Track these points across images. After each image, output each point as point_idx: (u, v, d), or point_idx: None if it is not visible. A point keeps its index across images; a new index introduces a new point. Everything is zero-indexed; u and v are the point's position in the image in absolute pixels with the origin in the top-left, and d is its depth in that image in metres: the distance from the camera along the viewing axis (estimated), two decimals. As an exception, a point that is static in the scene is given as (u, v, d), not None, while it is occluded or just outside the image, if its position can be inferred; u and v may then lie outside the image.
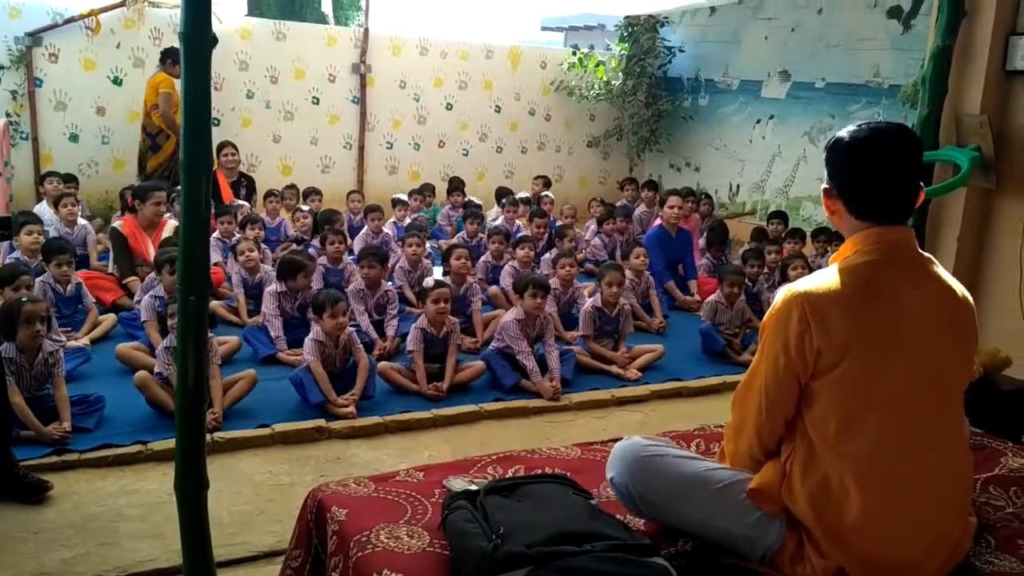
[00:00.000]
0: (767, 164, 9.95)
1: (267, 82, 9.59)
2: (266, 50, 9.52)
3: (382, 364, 4.90)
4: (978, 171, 3.74)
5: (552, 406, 4.80)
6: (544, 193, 9.31)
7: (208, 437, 4.06)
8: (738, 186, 10.37)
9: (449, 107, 10.65)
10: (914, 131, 2.10)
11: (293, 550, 2.32)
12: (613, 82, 10.73)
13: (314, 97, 9.82)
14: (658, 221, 7.51)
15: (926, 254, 2.09)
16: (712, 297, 5.96)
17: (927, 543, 1.92)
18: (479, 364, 5.03)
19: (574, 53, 10.78)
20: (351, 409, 4.42)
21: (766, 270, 6.87)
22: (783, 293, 2.01)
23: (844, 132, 2.08)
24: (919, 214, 4.06)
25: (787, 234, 7.81)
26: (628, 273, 6.26)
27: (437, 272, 6.80)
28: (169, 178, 8.32)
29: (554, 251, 7.08)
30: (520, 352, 4.94)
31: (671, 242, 7.22)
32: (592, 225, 8.44)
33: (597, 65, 10.73)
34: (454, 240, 7.81)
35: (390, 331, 5.52)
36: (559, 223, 8.12)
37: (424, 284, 5.00)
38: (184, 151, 2.38)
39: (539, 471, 2.40)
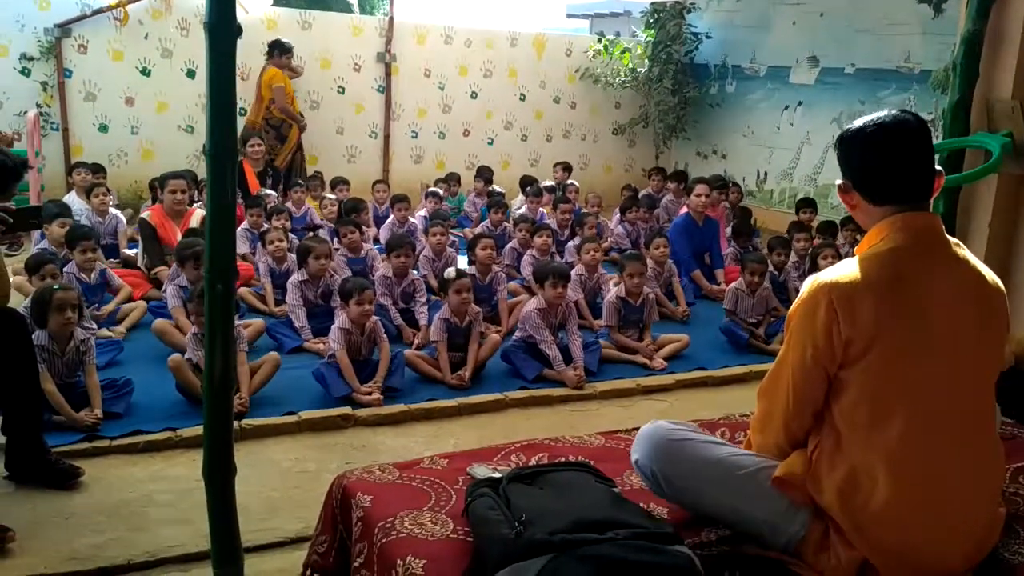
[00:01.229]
0: (795, 151, 9.85)
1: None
2: (292, 39, 9.51)
3: (408, 352, 4.93)
4: (1010, 158, 3.67)
5: (577, 395, 4.80)
6: (569, 181, 9.29)
7: (235, 424, 4.10)
8: (766, 173, 10.27)
9: (474, 95, 10.65)
10: (920, 117, 2.07)
11: (319, 536, 2.34)
12: (639, 69, 10.67)
13: (339, 86, 9.86)
14: (684, 210, 7.46)
15: (953, 239, 2.06)
16: (734, 284, 5.92)
17: (955, 534, 1.90)
18: (495, 337, 5.04)
19: (599, 40, 10.72)
20: (376, 396, 4.45)
21: (795, 259, 6.81)
22: (809, 284, 2.00)
23: (849, 128, 2.09)
24: (950, 201, 4.00)
25: (817, 227, 7.72)
26: (650, 263, 6.23)
27: (462, 261, 6.83)
28: (291, 169, 8.82)
29: (578, 239, 7.07)
30: (543, 341, 4.94)
31: (698, 231, 7.17)
32: (618, 213, 8.41)
33: (623, 52, 10.66)
34: (478, 229, 7.81)
35: (422, 320, 5.54)
36: (583, 211, 8.09)
37: (446, 274, 5.01)
38: (209, 140, 2.40)
39: (563, 459, 2.40)
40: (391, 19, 9.99)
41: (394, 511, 2.07)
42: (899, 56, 8.65)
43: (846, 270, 1.96)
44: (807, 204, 8.43)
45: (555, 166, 9.99)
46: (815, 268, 6.21)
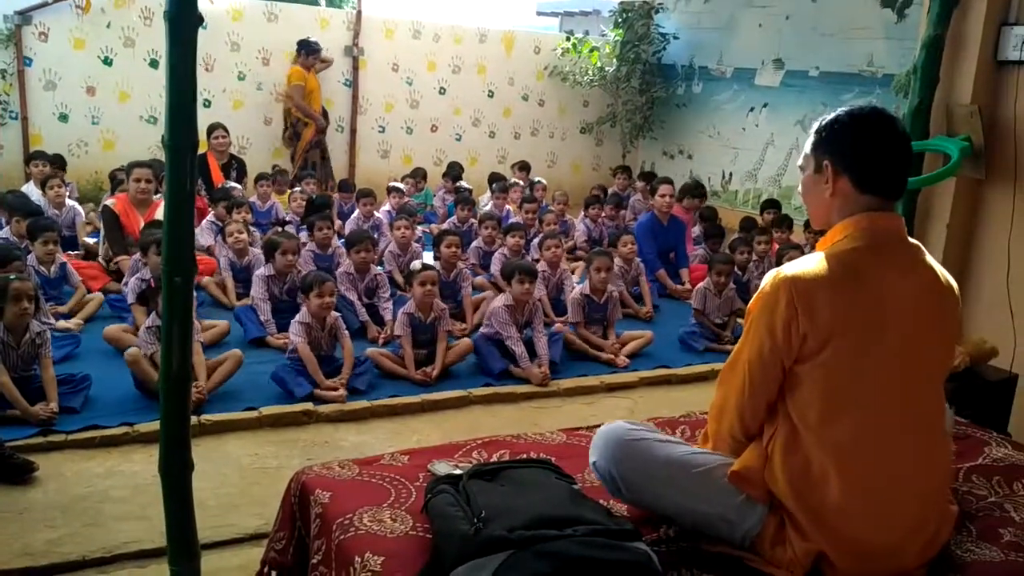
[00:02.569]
0: (760, 152, 9.95)
1: (258, 63, 9.53)
2: (258, 31, 9.46)
3: (371, 350, 4.89)
4: (968, 161, 3.73)
5: (540, 392, 4.81)
6: (537, 179, 9.31)
7: (194, 419, 4.07)
8: (731, 174, 10.36)
9: (442, 91, 10.61)
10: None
11: (277, 532, 2.32)
12: (607, 68, 10.70)
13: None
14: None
15: (914, 241, 2.09)
16: (701, 284, 5.96)
17: (906, 529, 1.93)
18: (466, 342, 5.04)
19: (568, 39, 10.74)
20: (341, 392, 4.42)
21: (755, 258, 6.88)
22: (771, 277, 2.01)
23: (840, 112, 2.08)
24: (909, 203, 4.06)
25: (774, 222, 7.81)
26: (617, 260, 6.26)
27: (427, 257, 6.80)
28: (307, 166, 9.05)
29: (541, 235, 7.07)
30: (509, 338, 4.94)
31: (662, 230, 7.21)
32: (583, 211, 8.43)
33: (591, 51, 10.70)
34: (445, 225, 7.79)
35: (387, 315, 5.52)
36: (549, 208, 8.10)
37: (411, 267, 4.99)
38: (168, 131, 2.37)
39: (524, 456, 2.39)
40: (359, 12, 9.92)
41: (353, 507, 2.06)
42: (862, 60, 8.77)
43: (808, 266, 1.97)
44: (771, 205, 8.53)
45: (513, 166, 10.01)
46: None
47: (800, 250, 6.40)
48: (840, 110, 2.09)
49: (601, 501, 2.09)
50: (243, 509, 3.44)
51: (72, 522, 3.23)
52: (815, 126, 2.13)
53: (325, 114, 9.46)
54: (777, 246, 6.95)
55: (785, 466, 1.94)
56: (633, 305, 6.26)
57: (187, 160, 2.38)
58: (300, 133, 9.22)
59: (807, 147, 2.14)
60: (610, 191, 9.57)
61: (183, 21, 2.34)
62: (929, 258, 2.09)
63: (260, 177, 8.15)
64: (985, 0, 3.71)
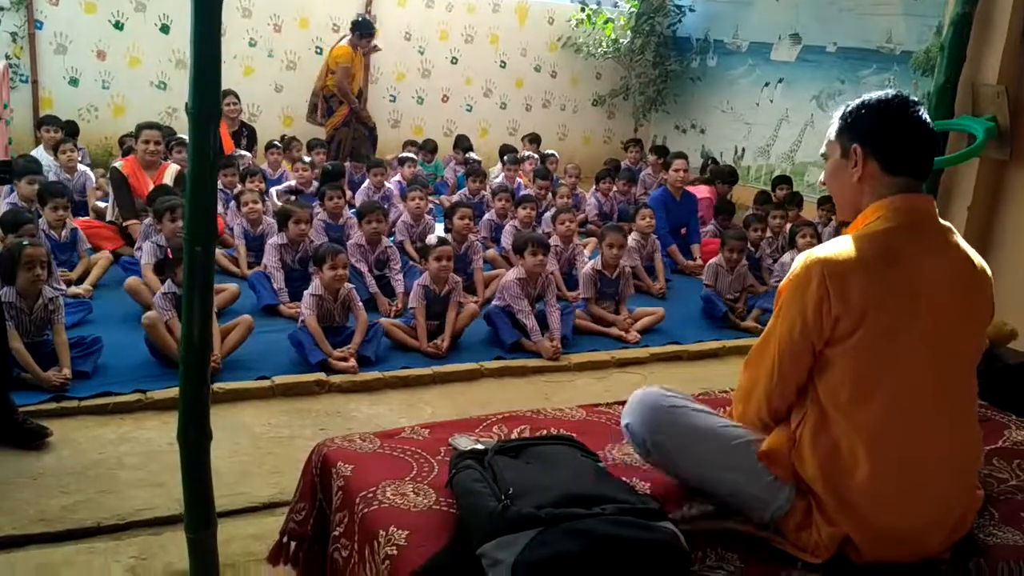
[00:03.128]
0: (774, 128, 9.85)
1: (270, 30, 9.43)
2: (270, -4, 9.36)
3: (384, 320, 4.88)
4: (993, 142, 3.69)
5: (552, 366, 4.80)
6: (549, 151, 9.24)
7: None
8: (743, 150, 10.27)
9: (454, 61, 10.51)
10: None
11: (297, 503, 2.31)
12: (621, 40, 10.57)
13: (317, 47, 9.66)
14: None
15: (946, 223, 2.06)
16: (714, 260, 5.93)
17: (933, 513, 1.93)
18: (472, 307, 5.03)
19: (583, 9, 10.59)
20: (351, 363, 4.41)
21: (769, 235, 6.84)
22: (802, 259, 1.98)
23: (862, 99, 2.08)
24: (931, 183, 4.01)
25: (786, 200, 7.76)
26: (634, 235, 6.23)
27: (439, 228, 6.78)
28: (331, 141, 8.69)
29: (553, 209, 7.04)
30: (521, 311, 4.93)
31: (675, 205, 7.17)
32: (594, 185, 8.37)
33: (606, 22, 10.56)
34: (455, 197, 7.75)
35: (399, 287, 5.50)
36: (562, 182, 8.05)
37: (427, 241, 4.96)
38: (192, 99, 2.33)
39: (545, 432, 2.39)
40: (372, -20, 9.80)
41: (375, 481, 2.05)
42: (880, 36, 8.65)
43: (840, 247, 1.95)
44: (783, 181, 8.47)
45: (523, 139, 9.93)
46: (793, 245, 6.25)
47: (813, 227, 6.34)
48: (863, 96, 2.09)
49: (624, 479, 2.08)
50: (257, 478, 3.45)
51: (86, 488, 3.24)
52: (839, 112, 2.12)
53: (360, 95, 9.15)
54: (789, 224, 6.89)
55: (814, 449, 1.93)
56: (647, 280, 6.23)
57: (211, 129, 2.34)
58: (334, 109, 8.76)
59: (831, 134, 2.12)
60: (622, 165, 9.50)
61: (207, -15, 2.30)
62: (961, 240, 2.07)
63: (270, 145, 8.09)
64: (1016, -23, 3.64)
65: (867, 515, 1.88)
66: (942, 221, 2.05)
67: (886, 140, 2.00)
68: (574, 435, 2.27)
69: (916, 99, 2.05)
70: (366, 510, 1.95)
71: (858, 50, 8.89)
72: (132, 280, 4.91)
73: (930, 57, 8.14)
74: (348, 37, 8.73)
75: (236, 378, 4.22)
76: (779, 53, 9.80)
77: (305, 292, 4.61)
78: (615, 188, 8.11)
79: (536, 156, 9.21)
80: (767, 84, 9.95)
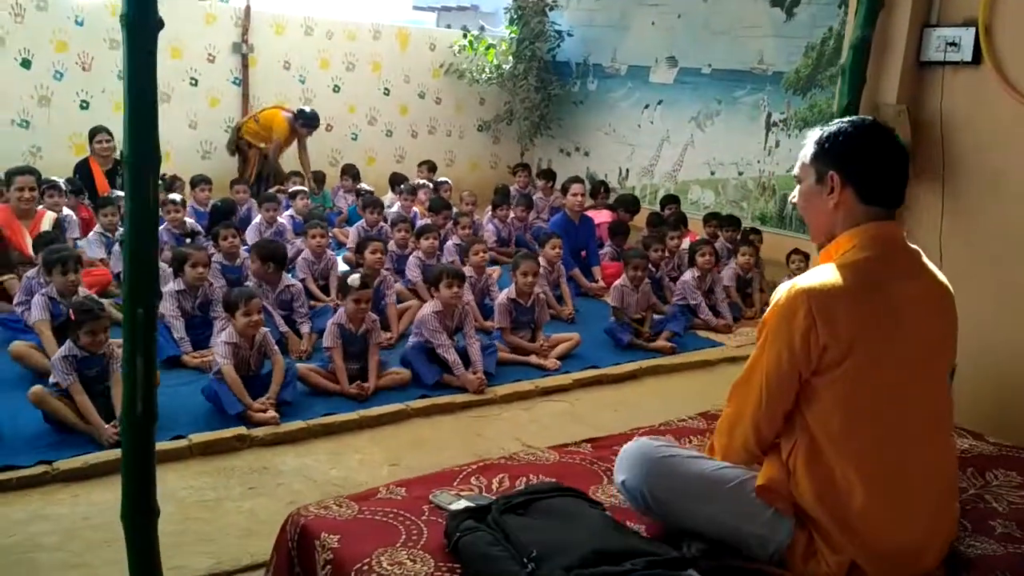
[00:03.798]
0: (656, 149, 10.14)
1: (140, 62, 8.97)
2: (138, 27, 8.89)
3: (300, 367, 4.67)
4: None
5: (478, 400, 4.72)
6: (443, 179, 9.18)
7: (117, 452, 3.77)
8: (627, 171, 10.52)
9: (336, 89, 10.32)
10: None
11: (270, 581, 2.14)
12: (504, 66, 10.65)
13: (192, 78, 9.29)
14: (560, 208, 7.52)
15: (914, 247, 2.13)
16: (618, 282, 6.01)
17: (927, 528, 1.98)
18: (404, 373, 4.84)
19: (465, 36, 10.63)
20: (272, 414, 4.19)
21: (666, 255, 6.98)
22: (787, 289, 2.00)
23: (838, 126, 2.11)
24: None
25: (679, 220, 7.94)
26: (541, 261, 6.22)
27: (341, 263, 6.59)
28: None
29: (455, 238, 6.98)
30: (440, 346, 4.82)
31: (574, 229, 7.24)
32: (489, 211, 8.35)
33: (488, 48, 10.63)
34: (351, 230, 7.56)
35: (304, 328, 5.29)
36: (459, 210, 7.98)
37: (349, 281, 4.76)
38: (128, 146, 2.17)
39: (524, 479, 2.31)
40: (248, 8, 9.50)
41: (368, 551, 1.92)
42: (753, 58, 9.05)
43: (824, 277, 1.98)
44: (671, 201, 8.70)
45: (419, 165, 9.85)
46: (692, 263, 6.41)
47: (711, 246, 6.53)
48: (841, 122, 2.12)
49: (629, 524, 2.03)
50: (189, 548, 3.20)
51: (2, 577, 2.92)
52: (815, 136, 2.14)
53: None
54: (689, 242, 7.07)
55: (810, 478, 1.94)
56: (556, 306, 6.24)
57: (150, 178, 2.18)
58: (246, 154, 9.10)
59: (805, 158, 2.15)
60: (511, 190, 9.53)
61: (142, 25, 2.14)
62: (927, 261, 2.13)
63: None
64: (909, 2, 3.84)
65: (869, 538, 1.91)
66: (911, 245, 2.11)
67: (862, 170, 2.04)
68: (554, 480, 2.20)
69: (889, 127, 2.09)
70: (364, 585, 1.82)
71: (732, 71, 9.28)
72: (18, 346, 4.50)
73: (800, 77, 8.61)
74: (291, 117, 8.91)
75: (149, 439, 3.92)
76: (657, 76, 10.11)
77: (218, 340, 4.36)
78: (512, 214, 8.12)
79: (430, 184, 9.12)
80: (647, 106, 10.24)
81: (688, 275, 6.34)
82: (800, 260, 6.81)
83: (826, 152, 2.09)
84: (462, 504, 2.13)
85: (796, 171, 2.19)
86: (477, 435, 4.37)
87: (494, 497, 2.21)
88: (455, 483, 2.34)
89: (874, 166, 2.05)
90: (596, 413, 4.76)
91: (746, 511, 1.99)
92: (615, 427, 4.45)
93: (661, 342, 5.74)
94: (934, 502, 2.01)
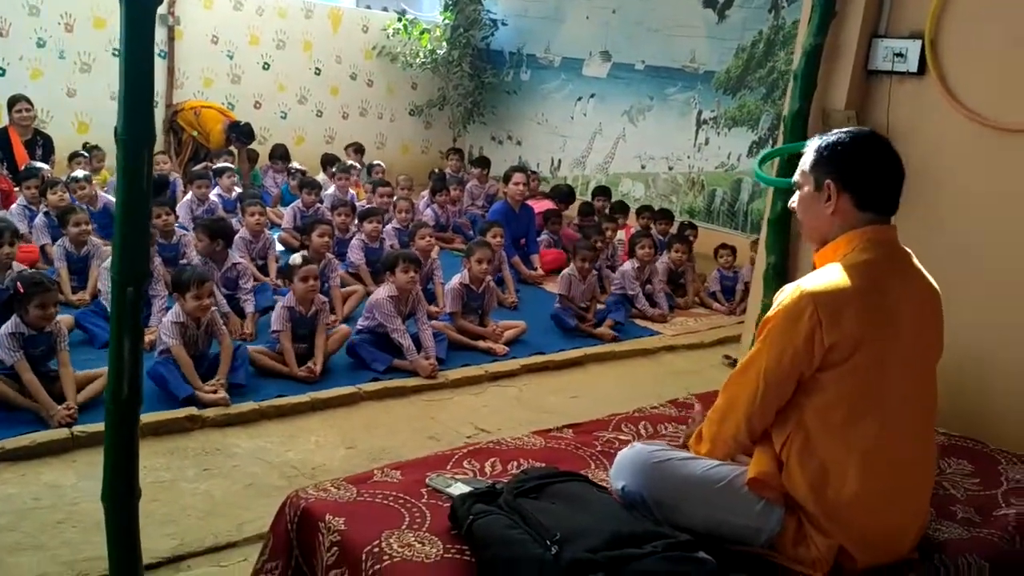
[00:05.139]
0: (588, 141, 10.27)
1: (61, 30, 8.59)
2: (60, -8, 8.52)
3: (250, 347, 4.59)
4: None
5: (429, 384, 4.73)
6: (376, 162, 9.10)
7: (66, 432, 3.67)
8: (559, 161, 10.63)
9: (266, 67, 10.08)
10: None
11: (267, 562, 2.13)
12: (438, 51, 10.60)
13: (115, 49, 8.87)
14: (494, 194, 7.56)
15: (907, 249, 2.24)
16: (566, 271, 6.09)
17: (911, 515, 2.11)
18: (344, 329, 4.86)
19: (400, 19, 10.51)
20: (222, 395, 4.12)
21: (601, 245, 7.10)
22: (792, 291, 2.08)
23: (837, 136, 2.20)
24: (785, 202, 4.34)
25: (612, 210, 8.09)
26: (484, 249, 6.25)
27: (276, 243, 6.49)
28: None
29: (394, 222, 6.94)
30: (395, 330, 4.81)
31: (515, 217, 7.29)
32: (425, 196, 8.32)
33: (422, 33, 10.54)
34: (287, 211, 7.43)
35: (248, 308, 5.20)
36: (398, 195, 7.93)
37: (291, 261, 4.71)
38: (122, 124, 2.11)
39: (516, 463, 2.36)
40: (175, -22, 9.19)
41: (376, 533, 1.93)
42: (685, 56, 9.26)
43: (829, 279, 2.07)
44: (602, 192, 8.82)
45: (347, 148, 9.74)
46: (632, 254, 6.55)
47: (651, 238, 6.68)
48: (839, 132, 2.22)
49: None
50: (149, 531, 3.09)
51: (-46, 562, 2.81)
52: (814, 145, 2.24)
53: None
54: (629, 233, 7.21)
55: (803, 469, 2.04)
56: (499, 293, 6.29)
57: (144, 155, 2.12)
58: (183, 140, 9.10)
59: (805, 165, 2.24)
60: (446, 173, 9.51)
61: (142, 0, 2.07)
62: (917, 262, 2.25)
63: (74, 155, 7.38)
64: (860, 12, 4.02)
65: (858, 525, 2.03)
66: (904, 247, 2.23)
67: (859, 178, 2.14)
68: (558, 466, 2.25)
69: (885, 137, 2.20)
70: (377, 566, 1.83)
71: (665, 68, 9.48)
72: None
73: (730, 77, 8.85)
74: (229, 127, 8.73)
75: (96, 419, 3.79)
76: (591, 69, 10.24)
77: (164, 319, 4.24)
78: (447, 198, 8.12)
79: (360, 166, 9.03)
80: (580, 98, 10.36)
81: (628, 265, 6.48)
82: (728, 254, 7.03)
83: (825, 160, 2.18)
84: (459, 487, 2.17)
85: (796, 178, 2.28)
86: (430, 418, 4.40)
87: (489, 480, 2.25)
88: (448, 466, 2.37)
89: (871, 174, 2.15)
90: (543, 397, 4.84)
91: (738, 505, 2.08)
92: (564, 411, 4.56)
93: (604, 329, 5.86)
94: (920, 490, 2.14)
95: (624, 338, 5.90)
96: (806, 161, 2.24)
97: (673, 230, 7.67)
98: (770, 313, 2.12)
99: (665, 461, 2.16)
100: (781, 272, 4.45)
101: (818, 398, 2.06)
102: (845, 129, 2.23)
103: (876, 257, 2.11)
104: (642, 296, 6.41)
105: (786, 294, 2.10)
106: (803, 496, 2.04)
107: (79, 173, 6.60)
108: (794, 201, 2.29)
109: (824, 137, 2.23)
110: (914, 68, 3.90)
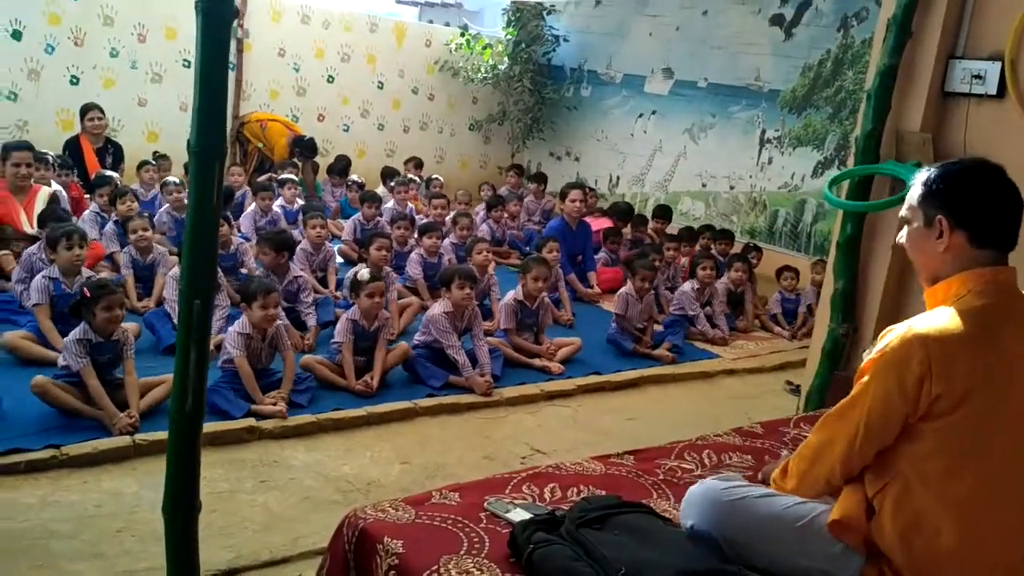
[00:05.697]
0: (648, 158, 10.19)
1: (134, 40, 8.83)
2: (133, 5, 8.75)
3: (306, 358, 4.63)
4: (919, 187, 3.93)
5: (484, 402, 4.70)
6: (435, 176, 9.15)
7: (128, 439, 3.72)
8: (618, 178, 10.57)
9: (330, 80, 10.22)
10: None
11: (324, 581, 2.11)
12: (499, 67, 10.64)
13: (185, 59, 9.13)
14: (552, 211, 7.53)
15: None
16: (623, 290, 6.02)
17: (1005, 569, 1.97)
18: (403, 346, 4.85)
19: (462, 34, 10.59)
20: (282, 407, 4.14)
21: (661, 265, 7.00)
22: (901, 332, 1.95)
23: (946, 167, 2.06)
24: (857, 224, 4.24)
25: (679, 236, 7.92)
26: (543, 266, 6.21)
27: (336, 255, 6.55)
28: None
29: (451, 237, 6.95)
30: (451, 347, 4.80)
31: (571, 235, 7.24)
32: (481, 211, 8.33)
33: (484, 48, 10.60)
34: (348, 224, 7.50)
35: (310, 321, 5.24)
36: (459, 210, 7.96)
37: (358, 276, 4.73)
38: (195, 135, 2.12)
39: (575, 489, 2.30)
40: (245, -8, 9.39)
41: (434, 558, 1.90)
42: (750, 74, 9.13)
43: (942, 324, 1.93)
44: (662, 214, 8.65)
45: (406, 162, 9.81)
46: (693, 275, 6.45)
47: (713, 259, 6.57)
48: (948, 163, 2.07)
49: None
50: (207, 542, 3.08)
51: (17, 565, 2.85)
52: (922, 177, 2.09)
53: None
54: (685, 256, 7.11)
55: (896, 519, 1.93)
56: (554, 311, 6.24)
57: (216, 168, 2.13)
58: (248, 152, 9.29)
59: (913, 199, 2.10)
60: (501, 190, 9.52)
61: (217, 13, 2.09)
62: None
63: (143, 164, 7.56)
64: (937, 34, 3.91)
65: (946, 577, 1.91)
66: (1022, 291, 2.08)
67: (973, 214, 1.99)
68: (613, 494, 2.20)
69: (1000, 166, 2.04)
70: (437, 592, 1.80)
71: (728, 87, 9.36)
72: (11, 337, 4.39)
73: (796, 96, 8.71)
74: (294, 141, 8.88)
75: (157, 428, 3.85)
76: (652, 86, 10.17)
77: (231, 329, 4.28)
78: (505, 214, 8.11)
79: (419, 180, 9.09)
80: (641, 115, 10.29)
81: (688, 286, 6.38)
82: (791, 276, 6.88)
83: (934, 194, 2.03)
84: (518, 512, 2.12)
85: (903, 212, 2.14)
86: (484, 437, 4.37)
87: (548, 506, 2.21)
88: (507, 490, 2.32)
89: (985, 208, 1.99)
90: (598, 419, 4.78)
91: (815, 547, 1.98)
92: (620, 434, 4.49)
93: (662, 351, 5.77)
94: (1014, 545, 2.00)
95: (682, 360, 5.80)
96: (913, 195, 2.10)
97: (734, 250, 7.54)
98: (875, 353, 1.99)
99: (740, 499, 2.07)
100: (849, 297, 4.33)
101: (917, 446, 1.94)
102: (955, 159, 2.08)
103: (993, 303, 1.97)
104: (702, 317, 6.30)
105: (895, 334, 1.97)
106: (890, 546, 1.93)
107: (173, 179, 6.77)
108: (902, 237, 2.15)
109: (932, 169, 2.08)
110: (993, 91, 3.77)
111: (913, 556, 1.91)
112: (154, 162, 7.63)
